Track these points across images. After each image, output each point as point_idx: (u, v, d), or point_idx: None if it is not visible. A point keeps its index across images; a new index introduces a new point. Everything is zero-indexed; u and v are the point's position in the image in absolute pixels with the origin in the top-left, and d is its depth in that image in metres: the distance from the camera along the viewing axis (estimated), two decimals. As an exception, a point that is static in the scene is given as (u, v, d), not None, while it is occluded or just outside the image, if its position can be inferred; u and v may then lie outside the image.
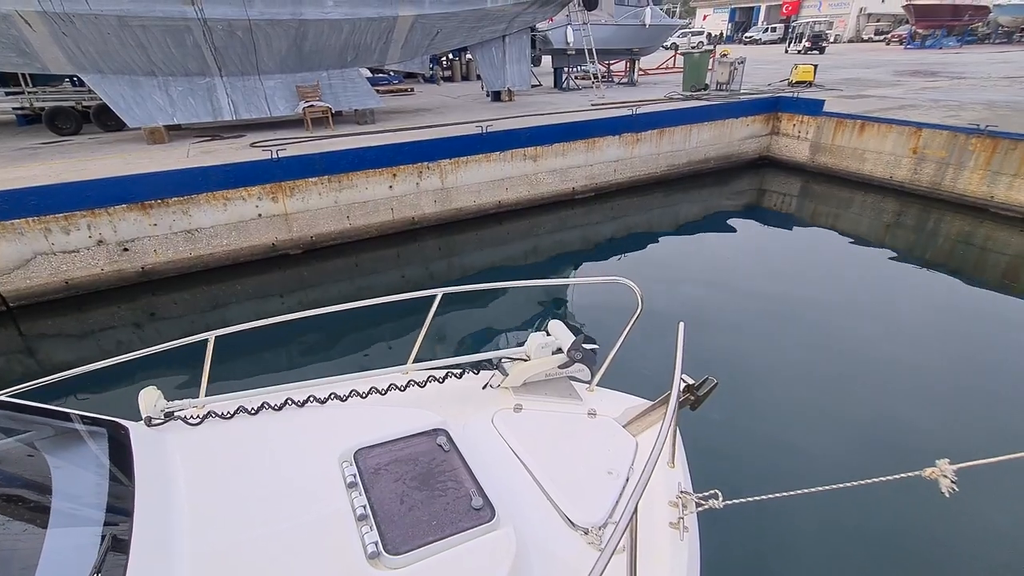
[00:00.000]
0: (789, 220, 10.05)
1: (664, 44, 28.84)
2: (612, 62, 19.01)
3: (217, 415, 2.30)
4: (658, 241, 9.16)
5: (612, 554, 1.28)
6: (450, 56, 20.14)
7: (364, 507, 1.78)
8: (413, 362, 2.79)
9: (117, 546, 1.50)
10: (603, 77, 18.82)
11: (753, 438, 4.40)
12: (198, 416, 2.28)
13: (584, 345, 2.72)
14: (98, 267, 6.73)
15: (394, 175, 8.20)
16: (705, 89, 14.02)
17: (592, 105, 12.16)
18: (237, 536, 1.69)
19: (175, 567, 1.55)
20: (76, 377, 2.34)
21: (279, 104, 9.85)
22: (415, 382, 2.68)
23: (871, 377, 5.15)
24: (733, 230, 9.66)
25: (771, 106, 11.98)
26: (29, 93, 10.40)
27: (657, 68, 21.85)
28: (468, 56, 19.37)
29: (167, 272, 7.22)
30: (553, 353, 2.71)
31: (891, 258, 8.13)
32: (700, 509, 2.01)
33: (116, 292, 6.97)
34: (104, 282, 6.85)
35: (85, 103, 10.24)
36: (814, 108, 11.22)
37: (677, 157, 11.33)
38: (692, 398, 2.49)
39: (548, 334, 2.75)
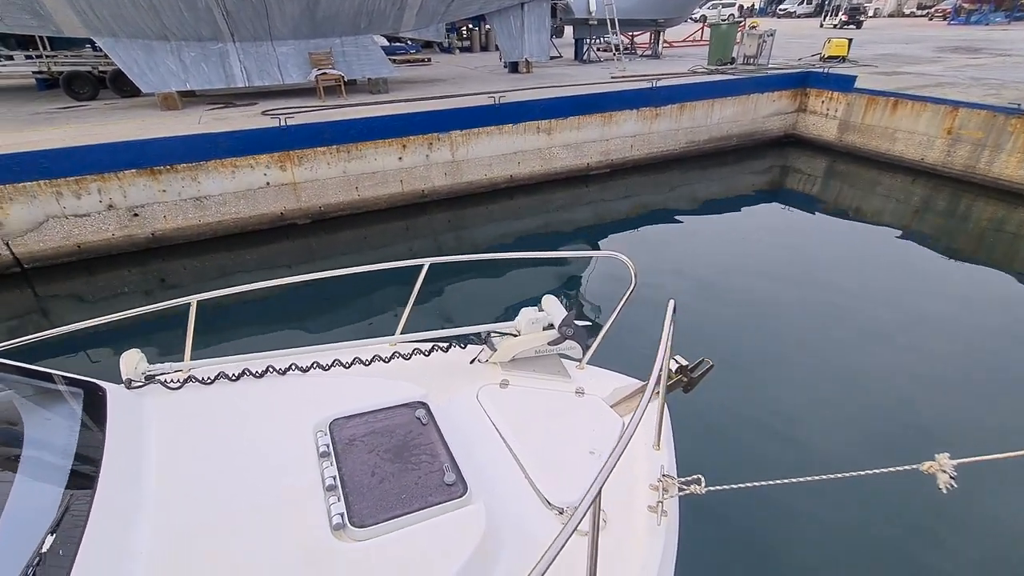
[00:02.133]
0: (812, 201, 9.68)
1: (692, 15, 27.80)
2: (636, 33, 18.37)
3: (197, 380, 2.28)
4: (674, 220, 8.90)
5: (573, 531, 1.21)
6: (470, 25, 19.70)
7: (334, 478, 1.75)
8: (401, 333, 2.73)
9: (77, 507, 1.48)
10: (626, 49, 18.27)
11: (752, 424, 4.29)
12: (178, 381, 2.26)
13: (576, 322, 2.63)
14: (109, 232, 6.80)
15: (404, 146, 8.07)
16: (732, 63, 13.48)
17: (612, 78, 11.79)
18: (202, 504, 1.67)
19: (133, 534, 1.53)
20: (64, 337, 2.34)
21: (292, 71, 9.73)
22: (400, 354, 2.62)
23: (883, 367, 4.96)
24: (753, 210, 9.35)
25: (799, 81, 11.46)
26: (48, 57, 10.44)
27: (684, 40, 21.07)
28: (488, 26, 18.89)
29: (177, 239, 7.26)
30: (544, 329, 2.63)
31: (917, 244, 7.79)
32: (682, 494, 1.95)
33: (127, 257, 7.05)
34: (115, 247, 6.93)
35: (102, 68, 10.25)
36: (845, 84, 10.69)
37: (697, 133, 10.95)
38: (685, 380, 2.39)
39: (541, 309, 2.67)
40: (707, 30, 18.97)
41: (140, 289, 6.76)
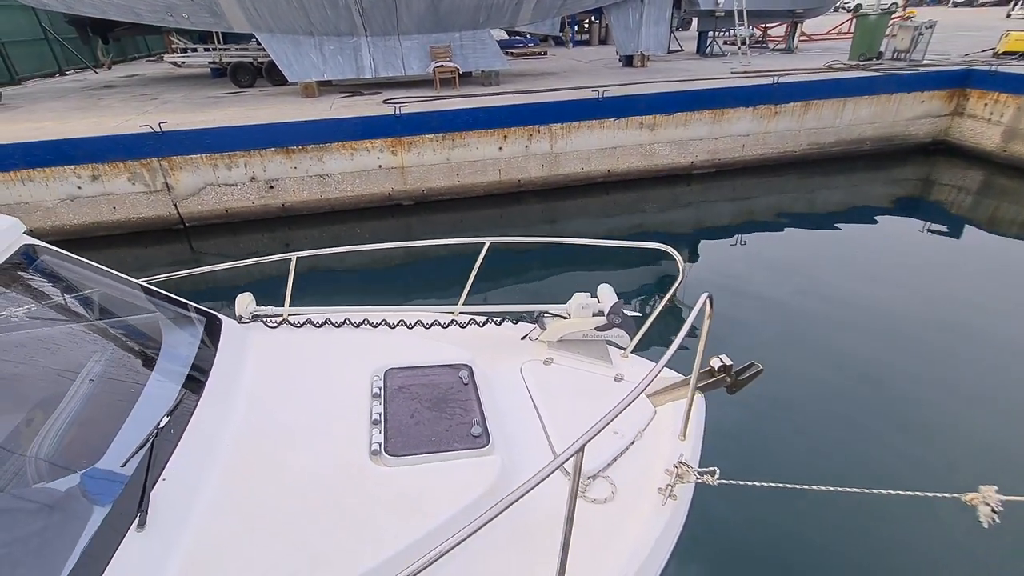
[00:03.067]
0: (958, 221, 8.43)
1: (844, 4, 25.07)
2: (770, 26, 17.08)
3: (290, 323, 2.76)
4: (785, 228, 8.25)
5: (554, 471, 1.39)
6: (592, 19, 19.61)
7: (380, 414, 2.09)
8: (462, 304, 3.02)
9: (187, 402, 1.95)
10: (757, 42, 17.08)
11: (805, 436, 4.07)
12: (275, 322, 2.75)
13: (625, 311, 2.72)
14: (250, 200, 7.95)
15: (504, 136, 8.41)
16: (878, 58, 12.05)
17: (732, 73, 11.16)
18: (276, 416, 2.09)
19: (223, 429, 1.97)
20: (200, 276, 2.97)
21: (413, 64, 10.51)
22: (457, 323, 2.90)
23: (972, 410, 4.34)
24: (882, 225, 8.32)
25: (959, 80, 9.99)
26: (220, 49, 12.29)
27: (828, 33, 19.14)
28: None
29: (302, 210, 8.28)
30: (594, 315, 2.74)
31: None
32: (694, 481, 2.02)
33: (262, 223, 8.20)
34: (253, 213, 8.09)
35: (260, 60, 11.83)
36: (1016, 84, 9.14)
37: (823, 135, 10.03)
38: (729, 380, 2.39)
39: (593, 295, 2.79)
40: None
41: (270, 250, 7.74)
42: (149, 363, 2.11)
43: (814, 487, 1.93)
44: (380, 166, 8.18)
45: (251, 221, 8.14)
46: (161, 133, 7.17)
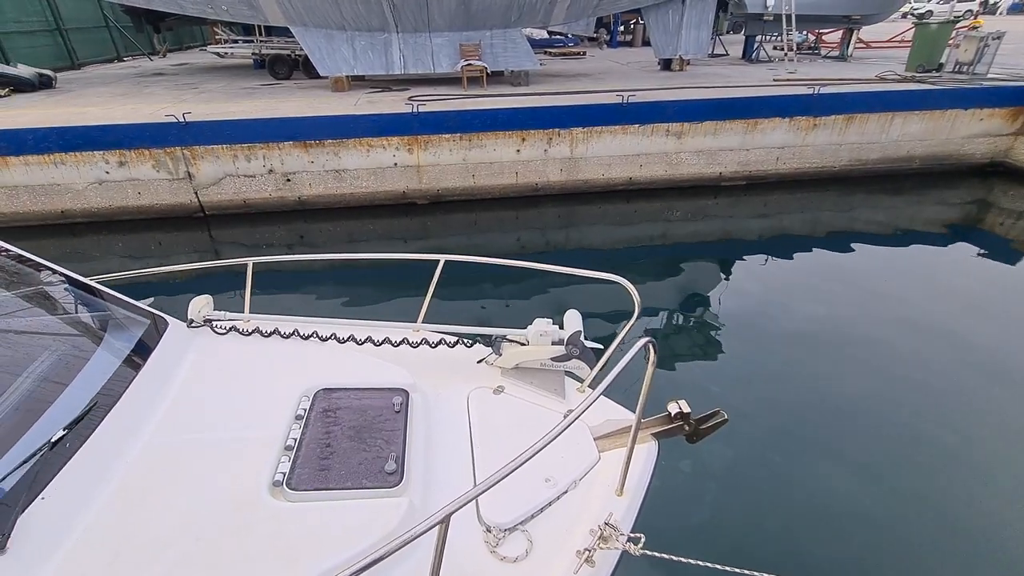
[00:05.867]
0: (1015, 251, 7.72)
1: (913, 10, 23.57)
2: (825, 32, 16.20)
3: (238, 331, 2.67)
4: (817, 250, 7.71)
5: (426, 530, 1.28)
6: (639, 19, 19.12)
7: (295, 440, 1.94)
8: (421, 323, 2.88)
9: (98, 412, 1.87)
10: (810, 48, 16.25)
11: (787, 503, 3.72)
12: (224, 328, 2.67)
13: (585, 342, 2.54)
14: (267, 192, 8.08)
15: (523, 139, 8.23)
16: (938, 70, 11.21)
17: (774, 80, 10.61)
18: (189, 435, 1.97)
19: (125, 444, 1.86)
20: (164, 275, 2.91)
21: (443, 61, 10.46)
22: (409, 342, 2.74)
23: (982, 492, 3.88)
24: (930, 251, 7.70)
25: (1026, 97, 9.15)
26: (261, 41, 12.61)
27: (889, 41, 18.01)
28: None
29: (317, 204, 8.36)
30: (553, 343, 2.57)
31: None
32: (619, 548, 1.80)
33: (278, 215, 8.32)
34: (270, 205, 8.22)
35: (296, 53, 12.05)
36: (1094, 104, 8.29)
37: (867, 151, 9.39)
38: (688, 429, 2.19)
39: (554, 322, 2.62)
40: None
41: (284, 243, 7.95)
42: (76, 369, 2.02)
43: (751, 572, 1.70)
44: (396, 164, 8.16)
45: (268, 213, 8.28)
46: (185, 123, 7.36)
